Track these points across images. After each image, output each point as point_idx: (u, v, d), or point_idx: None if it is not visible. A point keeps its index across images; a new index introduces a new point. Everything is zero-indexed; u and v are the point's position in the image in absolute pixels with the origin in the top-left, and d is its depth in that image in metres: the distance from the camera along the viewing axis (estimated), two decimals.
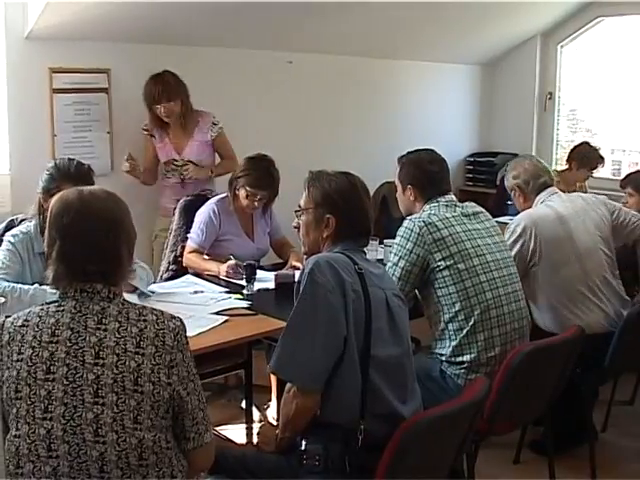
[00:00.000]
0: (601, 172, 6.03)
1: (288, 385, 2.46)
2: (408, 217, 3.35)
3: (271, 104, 5.61)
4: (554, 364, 3.23)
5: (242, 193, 4.27)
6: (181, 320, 2.07)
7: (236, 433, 4.04)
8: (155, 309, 2.04)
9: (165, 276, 4.40)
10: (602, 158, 5.81)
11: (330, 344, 2.40)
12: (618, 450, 4.20)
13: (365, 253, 2.73)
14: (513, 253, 3.74)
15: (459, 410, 2.48)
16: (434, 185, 3.46)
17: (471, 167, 7.29)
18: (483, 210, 3.49)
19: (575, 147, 5.94)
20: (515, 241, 3.84)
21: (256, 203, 4.29)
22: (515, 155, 7.14)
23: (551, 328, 3.80)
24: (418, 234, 3.23)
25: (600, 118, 7.15)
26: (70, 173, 3.32)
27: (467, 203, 3.47)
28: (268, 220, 4.56)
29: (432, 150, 3.62)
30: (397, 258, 3.27)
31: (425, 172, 3.48)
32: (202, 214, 4.33)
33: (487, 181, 7.09)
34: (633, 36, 6.63)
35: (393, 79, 6.54)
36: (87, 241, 2.00)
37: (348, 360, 2.41)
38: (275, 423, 3.88)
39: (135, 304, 2.04)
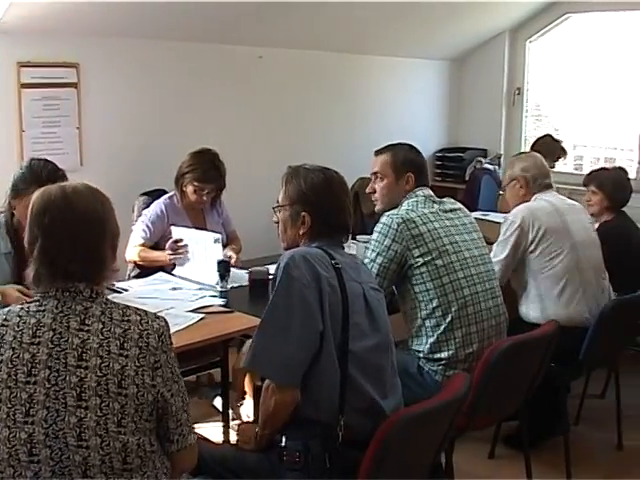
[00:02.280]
0: (563, 167, 6.08)
1: (266, 382, 2.44)
2: (386, 213, 3.33)
3: (241, 99, 5.58)
4: (531, 359, 3.24)
5: (190, 189, 4.27)
6: (165, 320, 2.03)
7: (210, 431, 3.98)
8: (139, 309, 2.00)
9: (133, 274, 4.37)
10: (564, 151, 5.85)
11: (306, 338, 2.38)
12: (591, 443, 4.24)
13: (343, 248, 2.71)
14: (510, 245, 3.83)
15: (442, 406, 2.47)
16: (424, 175, 3.50)
17: (440, 162, 7.31)
18: (461, 206, 3.50)
19: (538, 139, 5.97)
20: (513, 232, 3.87)
21: (204, 197, 4.31)
22: (484, 150, 7.22)
23: (535, 319, 3.82)
24: (396, 230, 3.21)
25: (564, 113, 7.21)
26: (41, 177, 3.22)
27: (445, 199, 3.47)
28: (219, 210, 4.56)
29: (408, 144, 3.62)
30: (374, 254, 3.26)
31: (421, 159, 3.53)
32: (149, 212, 4.33)
33: (456, 176, 7.11)
34: (599, 33, 6.68)
35: (362, 75, 6.52)
36: (70, 240, 1.95)
37: (326, 355, 2.40)
38: (249, 420, 3.90)
39: (118, 304, 1.99)
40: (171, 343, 2.02)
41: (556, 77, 7.10)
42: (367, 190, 3.57)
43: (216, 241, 3.99)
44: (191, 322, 3.17)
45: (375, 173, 3.53)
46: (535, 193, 4.02)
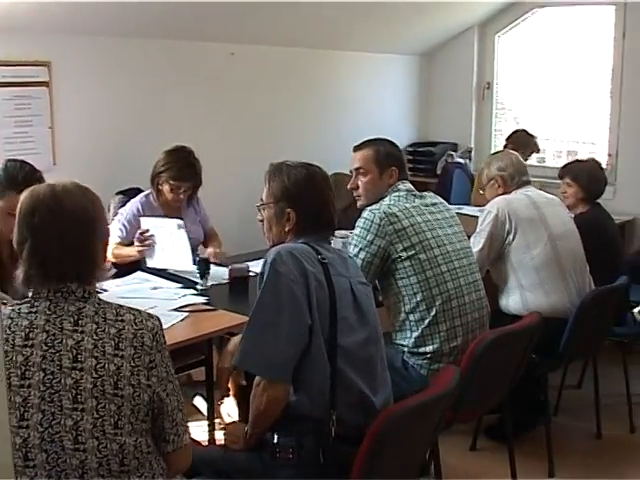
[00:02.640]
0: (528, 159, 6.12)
1: (257, 379, 2.43)
2: (367, 208, 3.33)
3: (214, 96, 5.54)
4: (515, 351, 3.27)
5: (166, 188, 4.24)
6: (159, 319, 2.01)
7: (193, 431, 3.97)
8: (132, 308, 1.98)
9: (110, 274, 4.30)
10: (538, 146, 5.91)
11: (295, 333, 2.38)
12: (570, 433, 4.29)
13: (329, 243, 2.71)
14: (486, 235, 3.86)
15: (434, 400, 2.48)
16: (405, 168, 3.53)
17: (411, 157, 7.28)
18: (442, 200, 3.52)
19: (512, 133, 6.01)
20: (489, 222, 3.90)
21: (181, 195, 4.28)
22: (455, 145, 7.25)
23: (515, 310, 3.86)
24: (379, 225, 3.22)
25: (526, 107, 7.24)
26: (17, 180, 3.16)
27: (426, 193, 3.49)
28: (197, 207, 4.53)
29: (386, 139, 3.63)
30: (357, 249, 3.25)
31: (401, 153, 3.59)
32: (125, 211, 4.31)
33: (427, 171, 7.10)
34: (567, 26, 6.72)
35: (333, 70, 6.51)
36: (60, 240, 1.92)
37: (315, 349, 2.40)
38: (230, 419, 3.88)
39: (111, 303, 1.97)
40: (165, 342, 2.01)
41: (522, 71, 7.12)
42: (349, 186, 3.55)
43: (180, 227, 4.01)
44: (175, 321, 3.15)
45: (357, 169, 3.51)
46: (514, 189, 4.06)
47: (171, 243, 4.04)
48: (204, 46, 5.39)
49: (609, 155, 6.38)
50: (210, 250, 4.26)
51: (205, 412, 3.83)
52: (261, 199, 2.75)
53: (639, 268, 4.71)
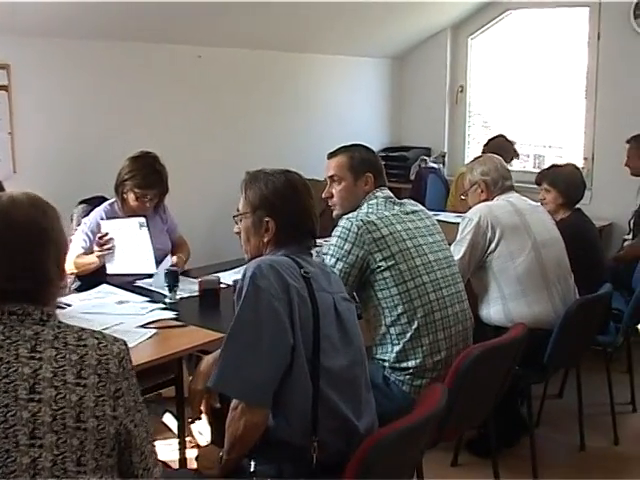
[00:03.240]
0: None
1: (234, 402, 2.26)
2: (345, 216, 3.17)
3: (181, 100, 5.38)
4: (501, 365, 3.15)
5: (131, 196, 4.07)
6: (125, 343, 1.83)
7: (161, 450, 3.80)
8: (95, 331, 1.81)
9: (74, 287, 4.16)
10: (517, 152, 5.81)
11: (276, 354, 2.23)
12: (553, 445, 4.17)
13: (311, 255, 2.55)
14: (467, 243, 3.74)
15: (421, 424, 2.34)
16: (382, 174, 3.40)
17: (383, 162, 7.05)
18: (422, 208, 3.38)
19: (491, 139, 5.91)
20: (470, 230, 3.77)
21: (147, 204, 4.11)
22: (428, 149, 7.14)
23: (498, 321, 3.75)
24: (357, 234, 3.06)
25: (497, 110, 7.18)
26: None
27: (405, 200, 3.35)
28: (163, 216, 4.37)
29: (362, 144, 3.52)
30: (334, 260, 3.09)
31: (377, 159, 3.45)
32: (89, 221, 4.13)
33: (400, 176, 6.96)
34: (541, 28, 6.67)
35: (303, 74, 6.39)
36: (9, 257, 1.74)
37: (297, 371, 2.25)
38: (201, 437, 3.71)
39: (73, 326, 1.79)
40: (132, 368, 1.83)
41: (495, 74, 7.06)
42: (323, 195, 3.39)
43: (141, 225, 3.88)
44: (143, 338, 2.96)
45: (332, 176, 3.37)
46: (498, 195, 3.94)
47: (132, 245, 3.90)
48: (170, 48, 5.23)
49: (585, 159, 6.32)
50: (173, 258, 4.09)
51: (175, 430, 3.68)
52: (237, 209, 2.60)
53: (617, 274, 4.62)
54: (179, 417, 3.38)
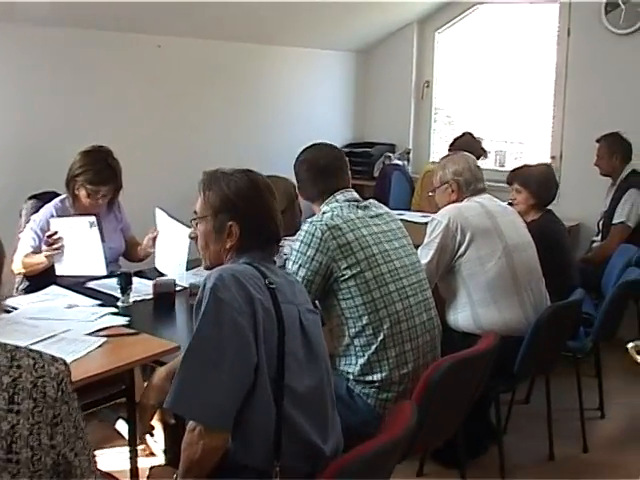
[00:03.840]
0: None
1: (192, 423, 2.08)
2: (307, 220, 3.00)
3: (138, 91, 5.18)
4: (472, 376, 3.00)
5: (83, 193, 3.89)
6: (65, 362, 1.64)
7: (113, 458, 3.67)
8: (32, 350, 1.61)
9: (21, 287, 3.98)
10: (484, 150, 5.69)
11: (239, 373, 2.06)
12: (522, 454, 4.04)
13: (275, 263, 2.38)
14: (435, 246, 3.59)
15: (392, 445, 2.17)
16: (332, 178, 3.16)
17: (347, 158, 7.00)
18: (387, 210, 3.21)
19: (457, 137, 5.78)
20: (439, 233, 3.62)
21: (100, 201, 3.95)
22: (392, 145, 7.01)
23: (466, 328, 3.62)
24: (320, 239, 2.88)
25: (462, 106, 7.08)
26: None
27: (370, 201, 3.17)
28: (117, 214, 4.20)
29: (323, 144, 3.34)
30: (297, 266, 2.92)
31: (328, 161, 3.20)
32: (38, 218, 3.93)
33: (364, 173, 6.82)
34: (509, 23, 6.57)
35: (266, 66, 6.22)
36: None
37: (260, 391, 2.08)
38: (155, 446, 3.53)
39: (5, 345, 1.59)
40: (73, 390, 1.64)
41: (462, 69, 6.95)
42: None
43: (92, 225, 3.72)
44: (92, 348, 2.76)
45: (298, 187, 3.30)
46: (469, 196, 3.78)
47: (82, 245, 3.73)
48: (128, 37, 5.02)
49: (552, 157, 6.22)
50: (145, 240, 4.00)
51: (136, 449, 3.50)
52: (195, 212, 2.41)
53: (585, 276, 4.51)
54: (131, 427, 3.19)
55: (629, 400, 4.69)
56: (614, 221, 5.24)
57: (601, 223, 5.50)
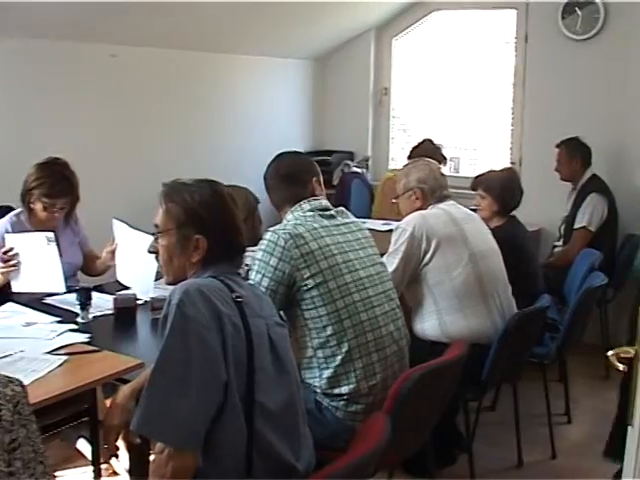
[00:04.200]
0: None
1: (160, 445, 2.01)
2: (270, 229, 2.93)
3: (93, 102, 5.07)
4: (442, 386, 2.95)
5: (39, 206, 3.78)
6: (21, 383, 1.57)
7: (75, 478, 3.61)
8: None
9: None
10: (444, 158, 5.67)
11: (208, 392, 1.99)
12: (490, 462, 4.00)
13: (240, 275, 2.31)
14: (400, 255, 3.55)
15: (366, 460, 2.11)
16: (296, 186, 3.09)
17: (319, 168, 6.96)
18: (354, 219, 3.15)
19: (418, 144, 5.75)
20: (404, 241, 3.58)
21: (56, 214, 3.84)
22: (351, 153, 6.98)
23: (433, 336, 3.58)
24: (283, 248, 2.81)
25: (417, 112, 7.07)
26: None
27: (337, 210, 3.11)
28: (74, 228, 4.10)
29: (294, 152, 3.33)
30: (260, 276, 2.84)
31: (286, 171, 3.13)
32: None
33: (323, 181, 6.74)
34: (467, 30, 6.57)
35: (223, 75, 6.16)
36: None
37: (229, 409, 2.01)
38: (118, 466, 3.43)
39: None
40: (31, 412, 1.56)
41: (420, 76, 6.94)
42: None
43: (49, 240, 3.61)
44: (52, 367, 2.66)
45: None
46: (434, 204, 3.74)
47: (39, 262, 3.62)
48: (82, 47, 4.91)
49: (512, 163, 6.22)
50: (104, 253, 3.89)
51: (90, 457, 3.40)
52: (156, 225, 2.33)
53: (547, 281, 4.50)
54: (93, 447, 3.10)
55: (595, 404, 4.69)
56: (576, 226, 5.25)
57: (563, 228, 5.51)
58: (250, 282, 2.80)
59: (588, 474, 3.89)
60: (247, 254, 3.24)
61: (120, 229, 3.88)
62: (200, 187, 2.28)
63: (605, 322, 5.35)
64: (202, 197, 2.25)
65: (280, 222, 3.07)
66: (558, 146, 5.45)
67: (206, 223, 2.23)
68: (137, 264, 3.69)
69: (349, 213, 3.18)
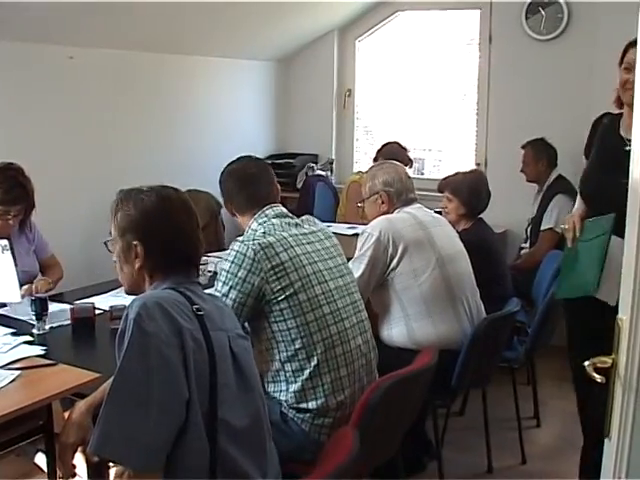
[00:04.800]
0: None
1: (119, 468, 1.91)
2: (238, 239, 2.82)
3: (50, 105, 4.92)
4: (412, 394, 2.89)
5: None
6: None
7: None
8: None
9: None
10: (410, 160, 5.62)
11: (170, 411, 1.90)
12: (459, 468, 3.95)
13: (200, 285, 2.22)
14: (366, 260, 3.48)
15: (336, 474, 2.04)
16: (254, 193, 3.00)
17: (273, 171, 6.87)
18: (321, 226, 3.07)
19: (383, 145, 5.69)
20: (370, 246, 3.50)
21: (10, 221, 3.73)
22: (315, 156, 6.91)
23: (401, 343, 3.51)
24: (253, 259, 2.71)
25: (381, 114, 7.01)
26: None
27: (304, 217, 3.02)
28: (29, 235, 3.97)
29: (250, 156, 3.20)
30: (227, 288, 2.74)
31: (244, 179, 3.02)
32: None
33: (287, 184, 6.61)
34: (430, 30, 6.52)
35: (183, 77, 6.03)
36: None
37: (192, 428, 1.92)
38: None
39: None
40: None
41: (380, 77, 6.88)
42: None
43: (4, 249, 3.50)
44: (5, 382, 2.54)
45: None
46: (400, 207, 3.68)
47: None
48: (37, 48, 4.75)
49: (477, 164, 6.19)
50: (33, 285, 3.65)
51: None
52: (110, 233, 2.24)
53: (515, 283, 4.45)
54: (50, 461, 2.97)
55: (563, 407, 4.64)
56: (542, 227, 5.21)
57: (529, 229, 5.47)
58: (215, 292, 2.72)
59: (557, 477, 3.86)
60: (211, 260, 3.17)
61: None
62: (147, 194, 2.21)
63: None
64: (144, 205, 2.18)
65: (242, 230, 2.99)
66: (524, 147, 5.43)
67: (145, 230, 2.17)
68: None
69: (316, 220, 3.09)
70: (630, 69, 2.95)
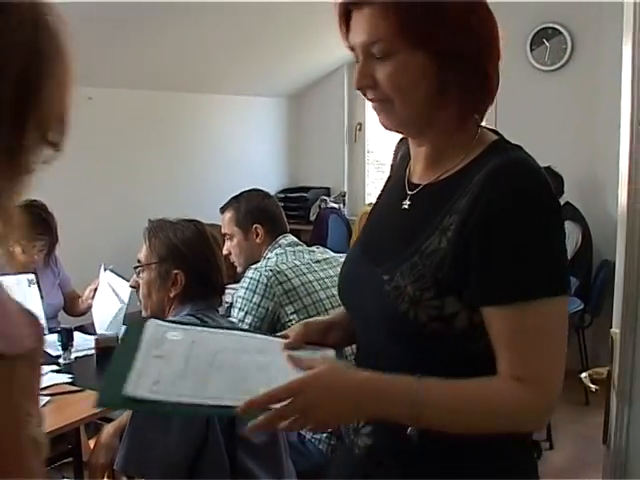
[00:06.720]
0: None
1: None
2: (252, 266, 2.95)
3: (69, 145, 5.00)
4: None
5: (17, 250, 3.74)
6: None
7: None
8: None
9: None
10: None
11: (191, 427, 2.01)
12: None
13: (218, 312, 2.34)
14: None
15: None
16: (277, 221, 3.16)
17: (282, 204, 6.94)
18: (333, 255, 3.18)
19: None
20: None
21: (35, 256, 3.84)
22: (327, 189, 7.02)
23: None
24: (266, 285, 2.84)
25: (389, 147, 7.00)
26: None
27: (315, 248, 3.15)
28: (55, 269, 4.10)
29: (258, 189, 3.34)
30: (243, 313, 2.86)
31: (267, 205, 3.18)
32: None
33: (300, 217, 6.80)
34: None
35: (199, 114, 6.19)
36: None
37: (212, 443, 2.03)
38: None
39: None
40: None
41: None
42: (224, 251, 3.18)
43: (31, 283, 3.61)
44: None
45: (224, 234, 3.20)
46: None
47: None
48: None
49: None
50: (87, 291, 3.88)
51: None
52: (138, 260, 2.36)
53: None
54: None
55: (576, 429, 4.69)
56: None
57: None
58: (232, 319, 2.83)
59: None
60: (227, 291, 3.28)
61: (107, 274, 3.86)
62: (184, 225, 2.33)
63: (584, 348, 5.39)
64: (185, 235, 2.29)
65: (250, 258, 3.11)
66: None
67: (187, 260, 2.27)
68: (109, 307, 3.69)
69: (327, 249, 3.21)
70: None
